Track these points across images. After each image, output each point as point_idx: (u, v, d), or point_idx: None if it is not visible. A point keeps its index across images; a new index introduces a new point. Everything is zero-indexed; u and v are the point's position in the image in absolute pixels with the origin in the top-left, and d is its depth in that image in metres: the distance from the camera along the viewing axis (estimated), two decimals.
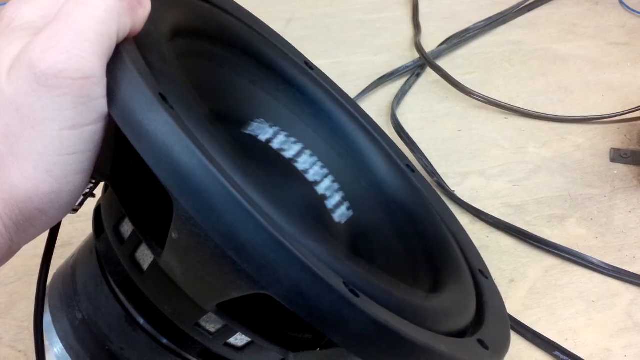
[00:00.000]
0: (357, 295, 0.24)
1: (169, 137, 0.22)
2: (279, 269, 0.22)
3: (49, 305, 0.35)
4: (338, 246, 0.35)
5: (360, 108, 0.45)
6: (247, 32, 0.39)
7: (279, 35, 0.43)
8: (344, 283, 0.24)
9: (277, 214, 0.24)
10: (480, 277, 0.38)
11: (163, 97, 0.24)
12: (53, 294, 0.35)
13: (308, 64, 0.44)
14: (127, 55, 0.25)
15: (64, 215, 0.27)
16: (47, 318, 0.34)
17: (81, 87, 0.23)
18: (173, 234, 0.25)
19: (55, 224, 0.27)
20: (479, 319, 0.34)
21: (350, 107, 0.43)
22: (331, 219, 0.39)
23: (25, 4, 0.26)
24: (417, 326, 0.27)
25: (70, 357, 0.33)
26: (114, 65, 0.25)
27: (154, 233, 0.27)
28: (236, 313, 0.28)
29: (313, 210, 0.39)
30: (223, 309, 0.27)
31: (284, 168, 0.39)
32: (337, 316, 0.23)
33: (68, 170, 0.25)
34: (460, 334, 0.31)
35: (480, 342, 0.31)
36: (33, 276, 0.44)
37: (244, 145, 0.38)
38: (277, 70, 0.41)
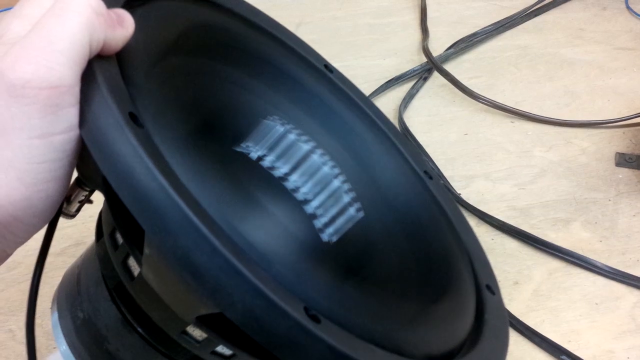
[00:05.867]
0: (319, 321, 0.23)
1: (131, 158, 0.22)
2: (234, 293, 0.22)
3: (57, 304, 0.35)
4: (321, 267, 0.34)
5: (380, 111, 0.44)
6: (255, 41, 0.39)
7: (298, 38, 0.43)
8: (305, 308, 0.23)
9: (245, 238, 0.24)
10: (485, 293, 0.37)
11: (133, 116, 0.24)
12: (61, 292, 0.36)
13: (328, 66, 0.43)
14: (100, 73, 0.25)
15: (44, 222, 0.27)
16: (55, 316, 0.35)
17: (49, 97, 0.23)
18: (146, 250, 0.25)
19: (37, 231, 0.27)
20: (474, 339, 0.33)
21: (369, 110, 0.43)
22: (319, 238, 0.38)
23: (16, 18, 0.26)
24: (390, 352, 0.26)
25: (73, 355, 0.33)
26: (86, 82, 0.25)
27: (140, 244, 0.27)
28: (219, 325, 0.27)
29: (299, 230, 0.38)
30: (205, 321, 0.27)
31: (270, 188, 0.38)
32: (293, 343, 0.22)
33: (39, 179, 0.25)
34: (446, 357, 0.30)
35: None
36: (47, 273, 0.44)
37: (231, 162, 0.37)
38: (289, 75, 0.40)
